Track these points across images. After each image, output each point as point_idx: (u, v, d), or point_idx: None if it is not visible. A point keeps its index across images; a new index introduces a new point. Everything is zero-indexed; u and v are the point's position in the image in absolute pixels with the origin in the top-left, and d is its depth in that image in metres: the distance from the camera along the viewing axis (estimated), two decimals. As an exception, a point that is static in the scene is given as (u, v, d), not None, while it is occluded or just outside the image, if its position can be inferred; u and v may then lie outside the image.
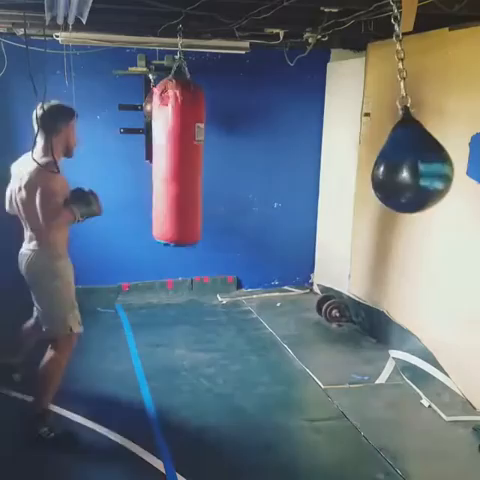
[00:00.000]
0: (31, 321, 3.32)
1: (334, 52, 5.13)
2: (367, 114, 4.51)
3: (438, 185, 2.14)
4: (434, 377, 3.65)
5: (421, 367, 3.77)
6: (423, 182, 2.09)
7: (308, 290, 5.63)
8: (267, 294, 5.50)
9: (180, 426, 3.16)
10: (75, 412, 3.22)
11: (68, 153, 3.01)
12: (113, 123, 4.91)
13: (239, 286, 5.59)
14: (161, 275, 5.32)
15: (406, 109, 2.19)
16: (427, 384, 3.63)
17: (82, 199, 2.94)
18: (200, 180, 3.87)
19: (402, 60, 2.15)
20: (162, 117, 3.70)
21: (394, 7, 2.12)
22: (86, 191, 3.00)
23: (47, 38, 3.79)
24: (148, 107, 4.73)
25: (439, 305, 3.72)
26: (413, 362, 3.85)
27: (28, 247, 2.99)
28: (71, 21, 3.24)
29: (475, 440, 3.07)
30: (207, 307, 5.14)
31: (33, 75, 3.59)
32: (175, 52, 3.91)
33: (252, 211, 5.44)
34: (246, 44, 4.26)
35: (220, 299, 5.34)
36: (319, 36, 3.84)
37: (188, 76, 3.78)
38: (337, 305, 4.80)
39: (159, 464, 2.81)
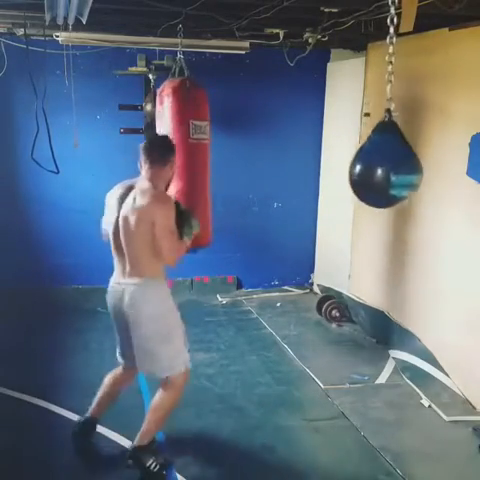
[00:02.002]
0: (119, 370, 3.02)
1: (334, 52, 5.13)
2: (367, 114, 4.51)
3: (405, 193, 2.27)
4: (434, 377, 3.65)
5: (421, 367, 3.77)
6: (393, 191, 2.22)
7: (308, 290, 5.63)
8: (267, 294, 5.49)
9: (180, 426, 3.16)
10: (76, 412, 3.22)
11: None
12: (113, 123, 4.92)
13: (239, 286, 5.59)
14: (161, 275, 5.31)
15: (388, 112, 2.24)
16: (427, 384, 3.63)
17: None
18: (204, 179, 3.74)
19: (391, 63, 2.18)
20: (159, 116, 3.69)
21: (392, 8, 2.12)
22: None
23: (47, 38, 3.80)
24: (148, 107, 4.73)
25: (439, 305, 3.72)
26: (413, 362, 3.85)
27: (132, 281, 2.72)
28: (71, 21, 3.24)
29: (475, 440, 3.07)
30: (207, 307, 5.14)
31: (33, 75, 3.61)
32: (175, 52, 3.92)
33: (252, 211, 5.44)
34: (246, 44, 4.26)
35: (220, 299, 5.33)
36: (319, 36, 3.84)
37: (186, 74, 3.77)
38: (337, 305, 4.80)
39: (159, 464, 2.81)
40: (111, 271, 2.86)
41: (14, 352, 4.01)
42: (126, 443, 2.95)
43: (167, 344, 2.72)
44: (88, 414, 2.96)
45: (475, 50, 3.30)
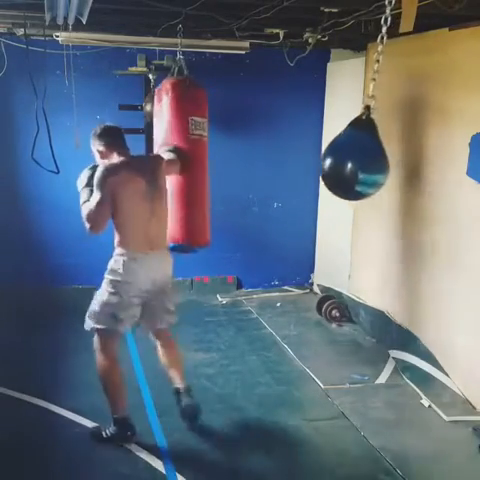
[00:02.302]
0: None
1: (334, 52, 5.13)
2: (367, 114, 4.51)
3: (371, 191, 2.31)
4: (434, 377, 3.65)
5: (421, 367, 3.77)
6: (358, 188, 2.27)
7: (308, 290, 5.63)
8: (267, 294, 5.49)
9: (180, 426, 3.16)
10: (76, 412, 3.23)
11: None
12: (113, 123, 4.91)
13: (239, 286, 5.59)
14: (161, 275, 5.31)
15: (368, 109, 2.25)
16: (427, 384, 3.63)
17: None
18: (203, 177, 3.72)
19: (378, 61, 2.18)
20: (158, 114, 3.68)
21: (387, 8, 2.12)
22: None
23: (47, 38, 3.80)
24: (148, 107, 4.73)
25: (439, 305, 3.72)
26: (413, 362, 3.85)
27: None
28: (71, 21, 3.24)
29: (475, 440, 3.07)
30: (207, 307, 5.14)
31: (33, 75, 3.62)
32: (175, 52, 3.91)
33: (252, 211, 5.44)
34: (246, 44, 4.26)
35: (220, 299, 5.33)
36: (319, 36, 3.84)
37: (185, 73, 3.76)
38: (337, 305, 4.80)
39: (159, 464, 2.81)
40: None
41: (14, 352, 4.01)
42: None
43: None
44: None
45: (475, 50, 3.30)
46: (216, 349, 4.22)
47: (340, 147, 2.36)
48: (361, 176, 2.23)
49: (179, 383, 3.18)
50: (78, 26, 3.40)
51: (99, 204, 2.78)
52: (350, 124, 2.32)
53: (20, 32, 3.84)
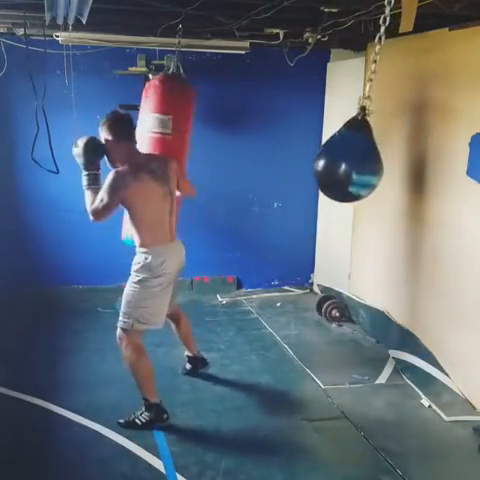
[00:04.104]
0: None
1: (334, 52, 5.13)
2: (367, 114, 4.50)
3: (363, 193, 2.33)
4: (434, 377, 3.65)
5: (421, 367, 3.77)
6: (351, 189, 2.28)
7: (308, 290, 5.63)
8: (267, 294, 5.50)
9: (180, 426, 3.16)
10: (75, 412, 3.22)
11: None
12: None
13: (239, 286, 5.59)
14: (161, 275, 5.31)
15: (363, 110, 2.25)
16: (427, 384, 3.63)
17: None
18: None
19: (375, 62, 2.18)
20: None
21: (386, 9, 2.12)
22: None
23: (47, 38, 3.80)
24: (148, 107, 4.73)
25: (439, 305, 3.72)
26: (413, 362, 3.85)
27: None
28: (71, 21, 3.24)
29: (475, 440, 3.07)
30: (207, 307, 5.14)
31: (33, 75, 3.61)
32: (176, 52, 3.91)
33: (252, 211, 5.44)
34: (246, 44, 4.26)
35: (220, 299, 5.33)
36: (319, 36, 3.85)
37: (170, 71, 3.79)
38: (337, 305, 4.80)
39: (159, 464, 2.81)
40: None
41: (14, 352, 4.01)
42: (125, 443, 2.96)
43: None
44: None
45: (475, 50, 3.30)
46: (216, 349, 4.21)
47: (334, 147, 2.37)
48: (355, 177, 2.23)
49: (193, 352, 3.73)
50: (78, 26, 3.40)
51: (106, 208, 2.89)
52: (345, 124, 2.33)
53: (20, 32, 3.85)
